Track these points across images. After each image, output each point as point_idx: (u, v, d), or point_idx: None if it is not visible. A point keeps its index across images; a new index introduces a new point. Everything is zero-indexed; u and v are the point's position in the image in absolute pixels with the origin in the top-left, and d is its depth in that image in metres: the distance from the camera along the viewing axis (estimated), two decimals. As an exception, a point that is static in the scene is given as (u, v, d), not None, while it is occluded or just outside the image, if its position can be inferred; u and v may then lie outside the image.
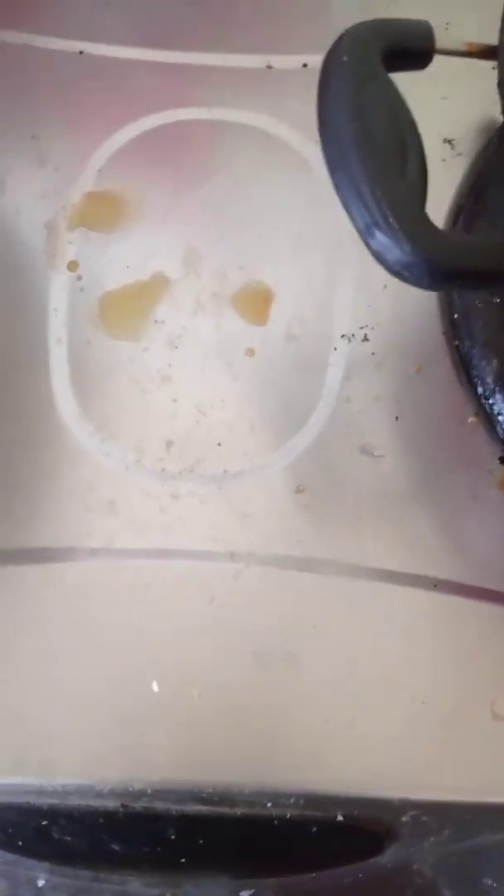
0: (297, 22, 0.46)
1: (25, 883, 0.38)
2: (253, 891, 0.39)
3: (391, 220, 0.27)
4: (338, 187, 0.28)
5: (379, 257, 0.28)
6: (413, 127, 0.29)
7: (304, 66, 0.45)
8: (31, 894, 0.38)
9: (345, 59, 0.29)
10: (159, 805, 0.33)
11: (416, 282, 0.28)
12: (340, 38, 0.29)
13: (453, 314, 0.40)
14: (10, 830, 0.34)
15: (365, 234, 0.28)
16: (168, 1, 0.47)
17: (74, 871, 0.35)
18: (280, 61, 0.45)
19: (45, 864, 0.36)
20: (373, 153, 0.28)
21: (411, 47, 0.30)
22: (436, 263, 0.27)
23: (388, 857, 0.35)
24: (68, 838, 0.34)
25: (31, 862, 0.36)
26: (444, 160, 0.43)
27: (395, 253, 0.27)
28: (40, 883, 0.37)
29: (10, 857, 0.35)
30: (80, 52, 0.46)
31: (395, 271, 0.28)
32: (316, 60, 0.47)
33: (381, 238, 0.27)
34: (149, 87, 0.45)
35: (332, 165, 0.28)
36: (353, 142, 0.28)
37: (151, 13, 0.47)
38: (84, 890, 0.38)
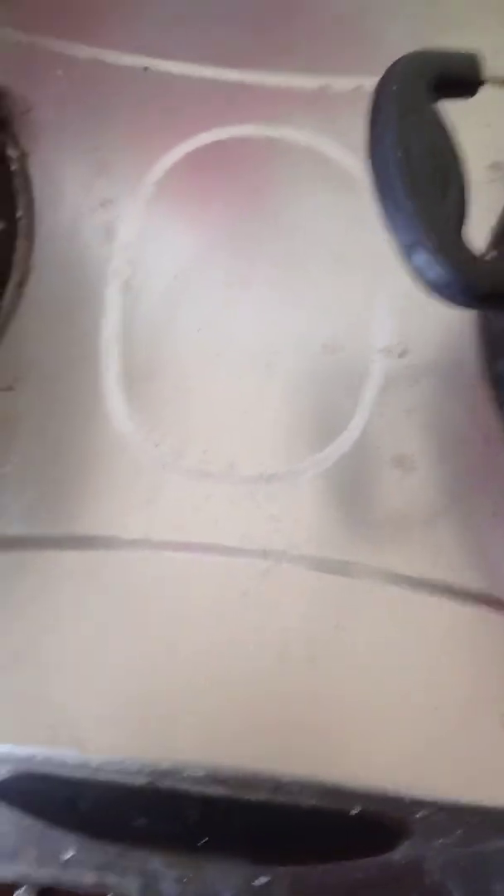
0: (353, 45, 0.48)
1: (52, 855, 0.40)
2: (269, 878, 0.41)
3: (430, 241, 0.29)
4: (382, 208, 0.30)
5: (417, 275, 0.29)
6: (454, 153, 0.30)
7: (358, 87, 0.47)
8: (58, 866, 0.40)
9: (394, 88, 0.31)
10: (184, 786, 0.34)
11: (451, 300, 0.30)
12: (392, 68, 0.31)
13: (489, 335, 0.41)
14: (40, 799, 0.36)
15: (405, 253, 0.29)
16: (229, 20, 0.49)
17: (101, 845, 0.37)
18: (335, 82, 0.47)
19: (73, 837, 0.37)
20: (414, 178, 0.29)
21: (460, 77, 0.32)
22: (470, 284, 0.29)
23: (399, 854, 0.37)
24: (96, 811, 0.35)
25: (58, 834, 0.38)
26: (492, 181, 0.45)
27: (432, 272, 0.29)
28: (67, 855, 0.39)
29: (40, 826, 0.37)
30: (145, 69, 0.48)
31: (432, 289, 0.29)
32: (369, 83, 0.48)
33: (419, 257, 0.29)
34: (208, 103, 0.47)
35: (378, 188, 0.30)
36: (397, 167, 0.29)
37: (213, 32, 0.49)
38: (109, 865, 0.40)
